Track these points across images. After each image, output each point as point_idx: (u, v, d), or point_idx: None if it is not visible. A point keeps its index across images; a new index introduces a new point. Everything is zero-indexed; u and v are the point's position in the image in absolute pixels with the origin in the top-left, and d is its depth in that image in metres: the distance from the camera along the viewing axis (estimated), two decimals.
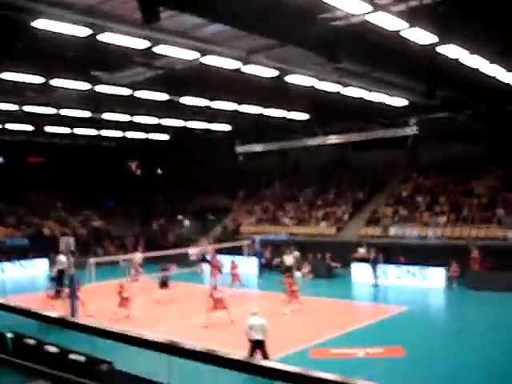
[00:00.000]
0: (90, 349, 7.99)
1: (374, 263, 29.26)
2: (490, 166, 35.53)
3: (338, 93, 23.64)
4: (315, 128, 34.00)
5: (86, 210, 48.12)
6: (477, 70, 19.32)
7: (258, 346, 14.66)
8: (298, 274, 32.09)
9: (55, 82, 21.16)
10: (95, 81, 21.35)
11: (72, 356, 8.67)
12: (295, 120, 32.52)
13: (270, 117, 31.04)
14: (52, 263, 28.20)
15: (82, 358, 8.75)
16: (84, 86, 21.75)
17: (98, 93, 22.87)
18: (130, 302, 22.16)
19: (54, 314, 8.57)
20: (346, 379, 3.42)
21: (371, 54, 18.86)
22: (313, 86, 22.08)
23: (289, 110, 30.36)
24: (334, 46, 17.03)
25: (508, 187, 33.02)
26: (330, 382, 3.56)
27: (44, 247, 36.18)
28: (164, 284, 25.54)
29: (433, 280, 27.89)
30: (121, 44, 15.29)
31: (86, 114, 28.12)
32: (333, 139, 33.95)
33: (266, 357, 14.59)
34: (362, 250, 32.05)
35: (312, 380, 3.52)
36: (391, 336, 18.73)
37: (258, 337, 14.71)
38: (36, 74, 20.29)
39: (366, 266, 29.86)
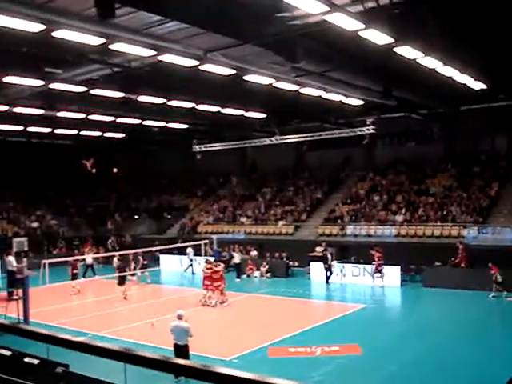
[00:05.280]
0: (45, 351, 7.75)
1: (325, 262, 29.59)
2: (444, 166, 36.22)
3: (296, 92, 23.69)
4: (273, 127, 34.05)
5: (39, 209, 47.19)
6: (433, 70, 19.59)
7: (179, 351, 13.71)
8: (256, 273, 32.21)
9: (8, 79, 20.62)
10: (49, 78, 20.88)
11: (26, 359, 8.44)
12: (253, 119, 32.51)
13: (227, 115, 30.93)
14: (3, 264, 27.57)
15: (36, 361, 8.52)
16: (37, 82, 21.26)
17: (53, 90, 22.39)
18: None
19: (5, 322, 8.30)
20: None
21: (329, 54, 18.98)
22: (270, 85, 22.07)
23: (246, 109, 30.31)
24: (291, 46, 17.05)
25: (462, 186, 33.66)
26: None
27: None
28: (122, 282, 26.42)
29: (389, 278, 28.17)
30: (75, 40, 14.97)
31: (40, 111, 27.52)
32: (290, 138, 34.04)
33: None
34: (318, 249, 32.20)
35: None
36: (348, 334, 18.85)
37: (179, 342, 13.94)
38: None
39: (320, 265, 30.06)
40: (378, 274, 28.29)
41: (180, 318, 14.34)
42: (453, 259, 27.23)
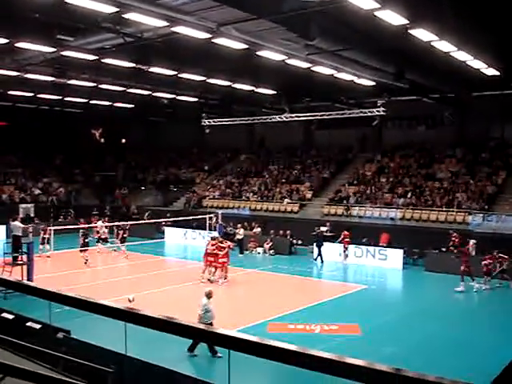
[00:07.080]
0: (47, 316, 7.85)
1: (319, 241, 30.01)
2: (452, 151, 36.08)
3: (308, 70, 23.51)
4: (283, 104, 33.91)
5: (47, 177, 47.33)
6: (447, 54, 19.38)
7: None
8: (259, 249, 32.32)
9: (20, 44, 20.53)
10: (61, 45, 20.78)
11: (28, 324, 8.54)
12: (263, 95, 32.36)
13: (238, 90, 30.78)
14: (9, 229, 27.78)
15: (37, 326, 8.62)
16: (49, 49, 21.16)
17: (64, 57, 22.31)
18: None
19: (10, 278, 8.40)
20: (302, 349, 3.41)
21: (343, 33, 18.79)
22: (283, 62, 21.91)
23: (257, 85, 30.15)
24: (306, 23, 16.91)
25: (469, 172, 33.55)
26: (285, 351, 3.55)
27: (3, 213, 35.47)
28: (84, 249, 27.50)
29: (392, 261, 28.26)
30: (89, 7, 14.87)
31: (51, 78, 27.45)
32: (300, 116, 33.91)
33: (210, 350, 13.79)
34: (323, 228, 32.20)
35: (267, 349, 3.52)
36: (348, 314, 18.98)
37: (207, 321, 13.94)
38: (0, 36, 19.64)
39: (327, 244, 30.15)
40: (347, 252, 29.59)
41: (207, 295, 14.47)
42: (452, 248, 27.37)
